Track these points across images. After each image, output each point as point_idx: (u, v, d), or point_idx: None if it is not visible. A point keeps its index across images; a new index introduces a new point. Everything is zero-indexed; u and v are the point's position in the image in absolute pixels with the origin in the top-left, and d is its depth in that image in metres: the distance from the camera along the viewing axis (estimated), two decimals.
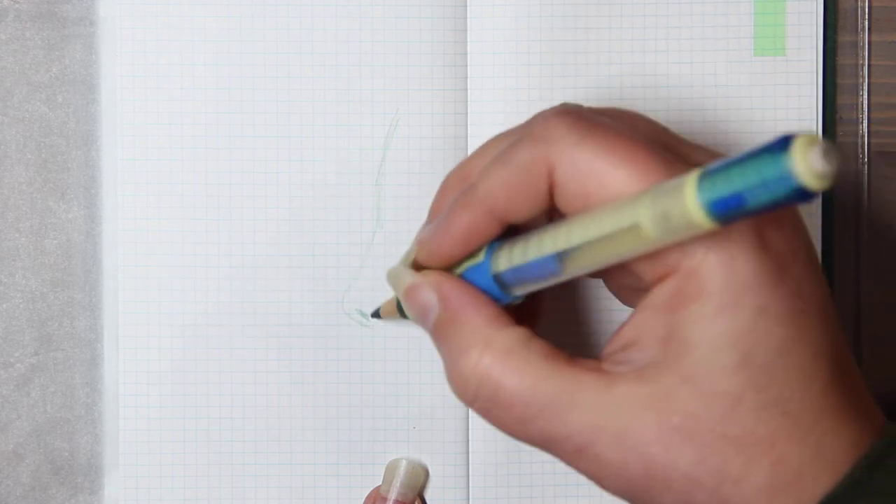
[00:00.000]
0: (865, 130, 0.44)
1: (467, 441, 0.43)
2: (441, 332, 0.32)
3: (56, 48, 0.42)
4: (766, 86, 0.43)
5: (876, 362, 0.44)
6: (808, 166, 0.22)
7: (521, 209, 0.31)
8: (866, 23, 0.44)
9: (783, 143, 0.22)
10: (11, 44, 0.42)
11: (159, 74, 0.42)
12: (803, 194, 0.22)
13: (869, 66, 0.44)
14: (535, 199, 0.31)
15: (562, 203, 0.30)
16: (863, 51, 0.44)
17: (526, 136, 0.31)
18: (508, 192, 0.31)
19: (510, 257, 0.31)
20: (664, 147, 0.30)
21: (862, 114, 0.44)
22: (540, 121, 0.30)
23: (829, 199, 0.43)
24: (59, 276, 0.42)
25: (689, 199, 0.24)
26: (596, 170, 0.29)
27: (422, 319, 0.34)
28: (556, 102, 0.43)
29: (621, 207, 0.27)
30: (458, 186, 0.34)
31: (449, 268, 0.34)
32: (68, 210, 0.42)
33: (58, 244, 0.42)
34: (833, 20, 0.43)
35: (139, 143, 0.42)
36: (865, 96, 0.44)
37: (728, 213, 0.24)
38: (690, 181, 0.25)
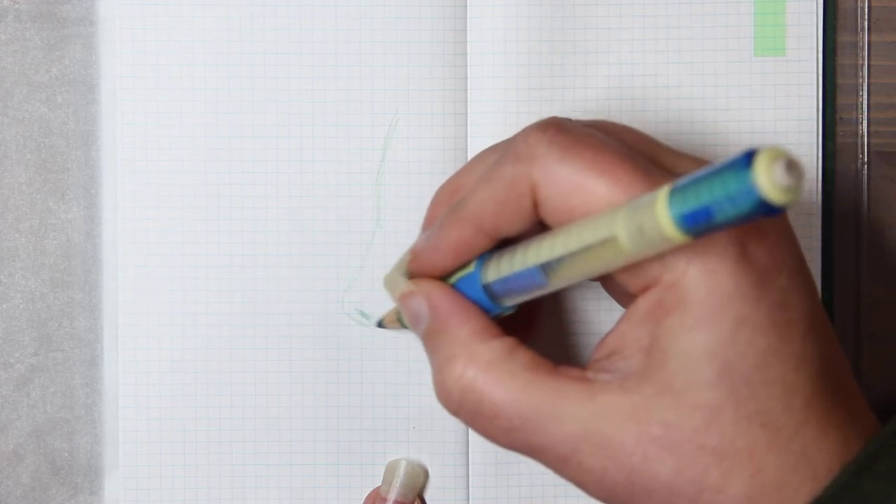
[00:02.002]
0: (865, 130, 0.44)
1: (467, 441, 0.43)
2: (429, 341, 0.33)
3: (56, 48, 0.42)
4: (766, 86, 0.43)
5: (876, 361, 0.44)
6: (771, 180, 0.22)
7: (509, 225, 0.31)
8: (866, 23, 0.44)
9: (747, 158, 0.23)
10: (11, 44, 0.42)
11: (159, 74, 0.42)
12: (768, 208, 0.22)
13: (869, 66, 0.44)
14: (522, 216, 0.31)
15: (547, 218, 0.30)
16: (863, 51, 0.44)
17: (509, 154, 0.31)
18: (495, 209, 0.31)
19: (498, 268, 0.32)
20: (649, 159, 0.30)
21: (862, 114, 0.44)
22: (521, 138, 0.31)
23: (829, 199, 0.43)
24: (59, 276, 0.42)
25: (660, 213, 0.25)
26: (577, 185, 0.29)
27: (413, 327, 0.34)
28: (555, 102, 0.43)
29: (599, 221, 0.27)
30: (448, 200, 0.35)
31: (442, 276, 0.34)
32: (68, 210, 0.42)
33: (58, 244, 0.42)
34: (833, 20, 0.43)
35: (139, 143, 0.42)
36: (865, 96, 0.44)
37: (698, 227, 0.24)
38: (662, 195, 0.25)
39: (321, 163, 0.42)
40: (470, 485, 0.43)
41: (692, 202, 0.24)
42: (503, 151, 0.32)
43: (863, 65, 0.44)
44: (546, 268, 0.29)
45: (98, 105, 0.42)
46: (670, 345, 0.28)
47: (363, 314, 0.43)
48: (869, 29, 0.44)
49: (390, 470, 0.42)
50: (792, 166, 0.22)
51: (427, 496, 0.43)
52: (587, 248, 0.28)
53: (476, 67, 0.42)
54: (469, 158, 0.42)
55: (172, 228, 0.42)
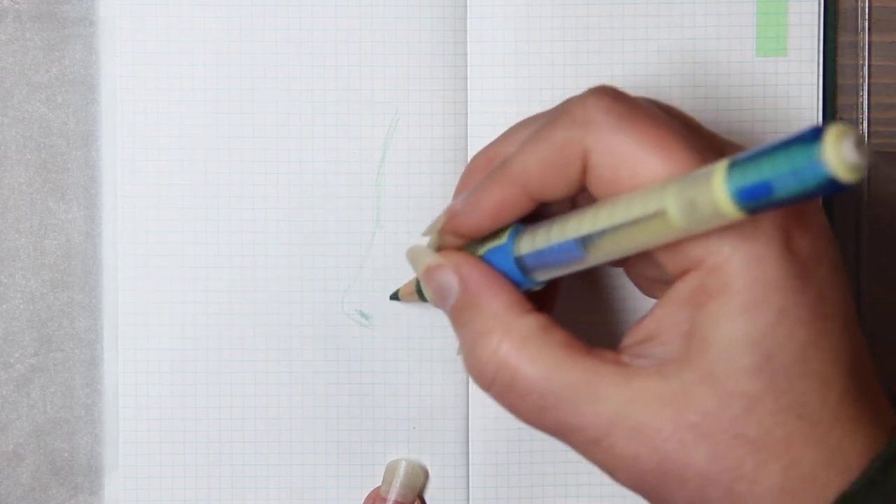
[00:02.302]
0: (865, 130, 0.44)
1: (467, 441, 0.43)
2: (460, 316, 0.32)
3: (56, 48, 0.42)
4: (767, 86, 0.43)
5: (876, 361, 0.44)
6: (839, 157, 0.22)
7: (554, 188, 0.31)
8: (866, 23, 0.44)
9: (815, 133, 0.22)
10: (11, 44, 0.42)
11: (159, 74, 0.42)
12: (833, 185, 0.22)
13: (869, 66, 0.44)
14: (568, 180, 0.30)
15: (593, 186, 0.30)
16: (863, 51, 0.44)
17: (563, 116, 0.30)
18: (542, 170, 0.30)
19: (533, 240, 0.31)
20: (700, 138, 0.30)
21: (862, 114, 0.44)
22: (578, 102, 0.30)
23: (830, 198, 0.43)
24: (59, 276, 0.42)
25: (717, 187, 0.24)
26: (631, 156, 0.29)
27: (440, 301, 0.33)
28: (556, 102, 0.43)
29: (649, 194, 0.27)
30: (484, 168, 0.34)
31: (473, 243, 0.33)
32: (68, 210, 0.42)
33: (58, 245, 0.42)
34: (833, 20, 0.43)
35: (139, 144, 0.42)
36: (865, 96, 0.44)
37: (756, 202, 0.24)
38: (720, 169, 0.24)
39: (321, 163, 0.42)
40: (470, 485, 0.43)
41: (753, 176, 0.23)
42: (556, 115, 0.31)
43: (863, 65, 0.44)
44: (586, 241, 0.29)
45: (98, 105, 0.42)
46: (712, 331, 0.28)
47: (363, 314, 0.43)
48: (869, 29, 0.44)
49: (390, 470, 0.42)
50: (860, 143, 0.22)
51: (427, 496, 0.43)
52: (633, 222, 0.27)
53: (476, 67, 0.42)
54: (469, 158, 0.42)
55: (172, 228, 0.42)
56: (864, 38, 0.44)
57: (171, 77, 0.42)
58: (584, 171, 0.30)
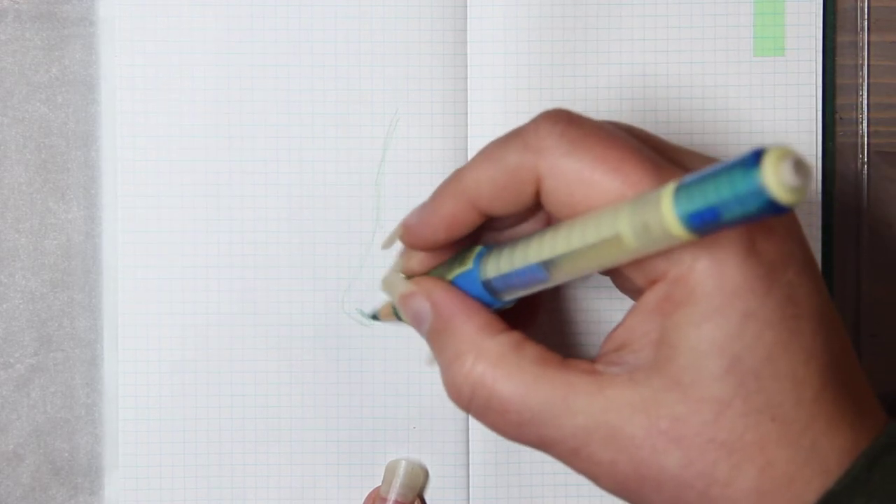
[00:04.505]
0: (865, 130, 0.44)
1: (467, 441, 0.43)
2: (436, 340, 0.33)
3: (56, 48, 0.42)
4: (765, 86, 0.43)
5: (876, 361, 0.44)
6: (779, 180, 0.22)
7: (504, 206, 0.31)
8: (866, 23, 0.44)
9: (755, 157, 0.22)
10: (11, 44, 0.42)
11: (159, 74, 0.42)
12: (776, 208, 0.22)
13: (869, 66, 0.44)
14: (519, 200, 0.31)
15: (549, 208, 0.30)
16: (862, 51, 0.44)
17: (516, 141, 0.31)
18: (492, 190, 0.31)
19: (498, 265, 0.32)
20: (659, 154, 0.30)
21: (862, 114, 0.44)
22: (531, 126, 0.31)
23: (829, 199, 0.43)
24: (58, 276, 0.42)
25: (666, 212, 0.25)
26: (584, 180, 0.29)
27: (416, 326, 0.34)
28: (556, 103, 0.43)
29: (603, 217, 0.27)
30: None
31: (441, 269, 0.34)
32: (68, 210, 0.42)
33: (58, 245, 0.42)
34: (833, 20, 0.43)
35: (139, 144, 0.42)
36: (865, 96, 0.44)
37: (705, 226, 0.24)
38: (667, 193, 0.25)
39: (321, 163, 0.42)
40: (470, 485, 0.43)
41: (699, 201, 0.24)
42: (509, 137, 0.31)
43: (863, 65, 0.44)
44: (548, 264, 0.29)
45: (98, 105, 0.42)
46: (679, 339, 0.28)
47: (363, 314, 0.43)
48: (869, 29, 0.44)
49: (390, 470, 0.42)
50: (799, 165, 0.22)
51: (427, 496, 0.43)
52: (591, 246, 0.28)
53: (476, 67, 0.42)
54: (469, 159, 0.42)
55: (172, 228, 0.42)
56: (863, 37, 0.44)
57: (171, 77, 0.42)
58: (538, 193, 0.30)
